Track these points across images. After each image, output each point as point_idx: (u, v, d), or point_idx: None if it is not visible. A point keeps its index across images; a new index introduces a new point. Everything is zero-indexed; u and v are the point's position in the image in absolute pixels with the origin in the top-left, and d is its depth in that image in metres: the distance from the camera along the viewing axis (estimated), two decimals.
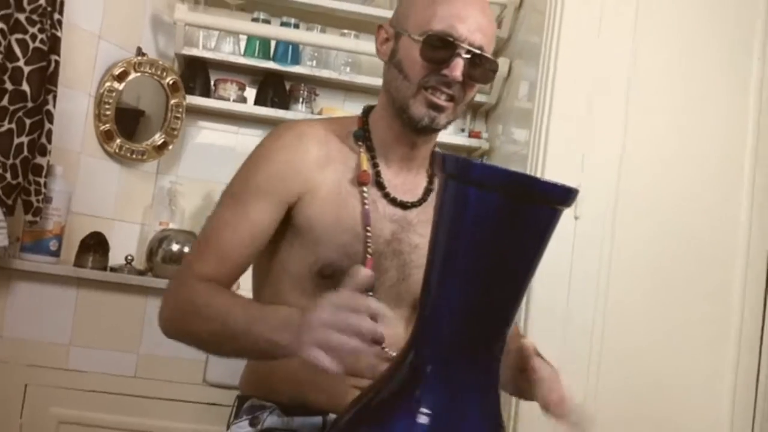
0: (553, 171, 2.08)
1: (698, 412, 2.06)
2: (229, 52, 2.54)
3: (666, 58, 2.15)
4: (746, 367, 2.09)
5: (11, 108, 1.82)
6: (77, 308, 2.01)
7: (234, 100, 2.49)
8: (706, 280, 2.10)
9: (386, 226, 1.21)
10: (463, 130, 2.68)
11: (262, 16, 2.50)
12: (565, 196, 0.96)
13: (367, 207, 1.19)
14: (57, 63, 1.92)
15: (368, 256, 1.18)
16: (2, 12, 1.80)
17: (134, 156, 2.39)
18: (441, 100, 1.16)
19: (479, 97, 2.61)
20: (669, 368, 2.07)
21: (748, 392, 2.09)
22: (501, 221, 0.93)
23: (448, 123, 1.22)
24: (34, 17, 1.86)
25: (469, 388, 0.97)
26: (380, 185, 1.22)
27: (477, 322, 0.96)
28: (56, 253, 2.02)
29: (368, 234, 1.18)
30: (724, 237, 2.12)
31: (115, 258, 2.19)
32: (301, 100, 2.52)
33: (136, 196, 2.49)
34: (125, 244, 2.42)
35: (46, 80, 1.90)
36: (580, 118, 2.10)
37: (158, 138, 2.42)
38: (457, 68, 1.13)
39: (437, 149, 1.33)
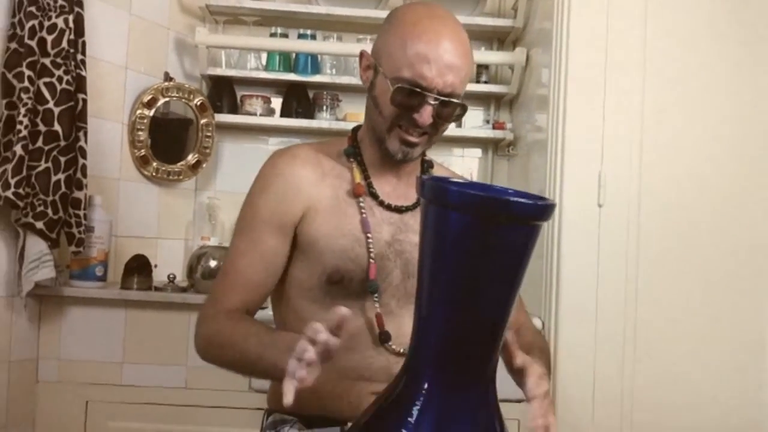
0: (572, 156, 2.09)
1: (736, 400, 2.06)
2: (252, 67, 2.63)
3: (680, 32, 2.12)
4: None
5: (46, 148, 1.95)
6: (127, 327, 2.14)
7: (261, 114, 2.57)
8: (738, 260, 2.08)
9: (385, 229, 1.27)
10: (487, 122, 2.70)
11: (279, 30, 2.57)
12: (539, 212, 0.98)
13: (364, 215, 1.26)
14: (84, 101, 2.03)
15: (371, 261, 1.24)
16: (29, 59, 1.92)
17: (171, 177, 2.51)
18: (414, 137, 1.22)
19: (501, 88, 2.63)
20: (705, 353, 2.05)
21: None
22: (480, 241, 0.96)
23: (424, 151, 1.29)
24: (59, 60, 1.97)
25: (464, 403, 1.00)
26: (374, 195, 1.29)
27: (466, 338, 0.99)
28: (103, 278, 2.16)
29: (369, 240, 1.25)
30: (754, 213, 2.10)
31: (162, 275, 2.31)
32: (324, 107, 2.58)
33: (177, 213, 2.62)
34: (172, 260, 2.54)
35: (76, 118, 2.02)
36: (596, 102, 2.10)
37: (192, 158, 2.53)
38: (426, 114, 1.17)
39: (427, 157, 1.38)
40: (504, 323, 1.03)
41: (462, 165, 2.75)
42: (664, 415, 2.03)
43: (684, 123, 2.10)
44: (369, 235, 1.25)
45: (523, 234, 0.98)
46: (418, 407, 0.96)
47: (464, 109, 1.22)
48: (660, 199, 2.08)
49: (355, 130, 1.36)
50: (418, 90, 1.16)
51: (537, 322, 2.12)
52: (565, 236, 2.08)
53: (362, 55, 1.28)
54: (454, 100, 1.19)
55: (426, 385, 0.98)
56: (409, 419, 0.95)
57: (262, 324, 1.16)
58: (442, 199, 0.97)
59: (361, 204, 1.26)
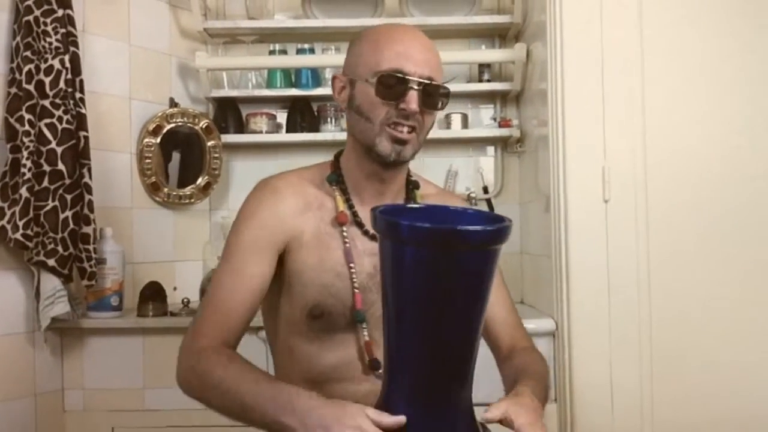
0: (575, 151, 2.05)
1: (761, 393, 2.00)
2: (254, 85, 2.65)
3: (680, 13, 2.05)
4: None
5: (52, 187, 2.00)
6: (145, 354, 2.19)
7: (267, 131, 2.59)
8: (752, 249, 2.01)
9: (366, 260, 1.28)
10: (494, 120, 2.66)
11: (278, 47, 2.58)
12: (492, 238, 0.97)
13: (347, 245, 1.27)
14: (86, 138, 2.08)
15: (355, 291, 1.26)
16: (28, 102, 1.98)
17: (183, 200, 2.55)
18: (404, 133, 1.24)
19: (504, 86, 2.59)
20: (723, 347, 2.00)
21: None
22: (437, 271, 0.96)
23: (415, 153, 1.29)
24: (57, 101, 2.02)
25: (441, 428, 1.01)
26: (358, 224, 1.30)
27: (438, 367, 1.00)
28: (118, 308, 2.20)
29: (352, 271, 1.26)
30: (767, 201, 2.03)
31: (182, 297, 2.33)
32: (329, 119, 2.59)
33: (193, 235, 2.66)
34: (191, 282, 2.58)
35: (79, 155, 2.06)
36: (594, 95, 2.05)
37: (201, 181, 2.57)
38: (412, 100, 1.21)
39: (412, 177, 1.39)
40: (474, 346, 1.02)
41: (474, 165, 2.72)
42: (687, 412, 1.98)
43: (688, 111, 2.04)
44: (352, 265, 1.26)
45: (480, 259, 0.98)
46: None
47: (447, 92, 1.26)
48: (668, 191, 2.03)
49: (337, 157, 1.37)
50: (401, 75, 1.21)
51: (550, 323, 2.09)
52: (572, 234, 2.05)
53: (335, 78, 1.32)
54: (436, 82, 1.23)
55: (404, 411, 0.99)
56: None
57: (253, 368, 1.14)
58: (395, 234, 0.97)
59: (345, 234, 1.28)
